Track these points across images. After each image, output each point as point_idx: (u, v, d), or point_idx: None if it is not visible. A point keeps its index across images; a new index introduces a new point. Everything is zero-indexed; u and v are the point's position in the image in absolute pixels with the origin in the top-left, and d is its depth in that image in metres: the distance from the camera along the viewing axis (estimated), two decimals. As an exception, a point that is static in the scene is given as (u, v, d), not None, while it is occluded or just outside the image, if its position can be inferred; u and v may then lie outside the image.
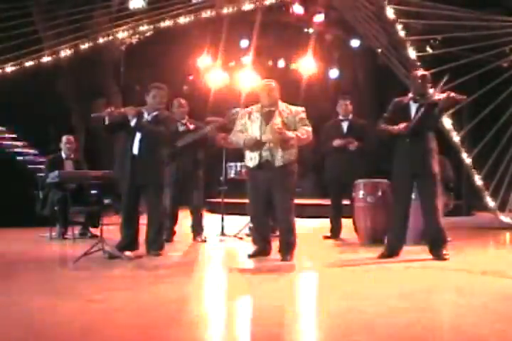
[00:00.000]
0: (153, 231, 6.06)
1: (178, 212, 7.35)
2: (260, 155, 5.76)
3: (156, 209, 6.08)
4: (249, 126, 5.87)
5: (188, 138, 7.11)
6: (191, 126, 7.25)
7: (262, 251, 5.94)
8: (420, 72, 6.36)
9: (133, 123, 5.94)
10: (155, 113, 6.07)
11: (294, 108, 5.92)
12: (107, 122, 5.94)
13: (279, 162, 5.74)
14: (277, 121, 5.75)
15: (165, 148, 6.21)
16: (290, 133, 5.70)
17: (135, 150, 5.95)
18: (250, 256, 5.94)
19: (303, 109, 5.94)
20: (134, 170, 5.93)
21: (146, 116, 6.07)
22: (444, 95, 5.86)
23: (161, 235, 6.19)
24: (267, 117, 5.81)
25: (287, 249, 5.82)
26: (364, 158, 7.73)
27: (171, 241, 7.09)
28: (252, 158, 5.83)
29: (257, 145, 5.75)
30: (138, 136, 5.96)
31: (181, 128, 7.23)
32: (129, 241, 6.01)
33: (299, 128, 5.80)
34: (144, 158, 5.94)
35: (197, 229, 7.30)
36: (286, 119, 5.80)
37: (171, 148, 7.01)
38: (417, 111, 5.90)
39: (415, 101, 5.94)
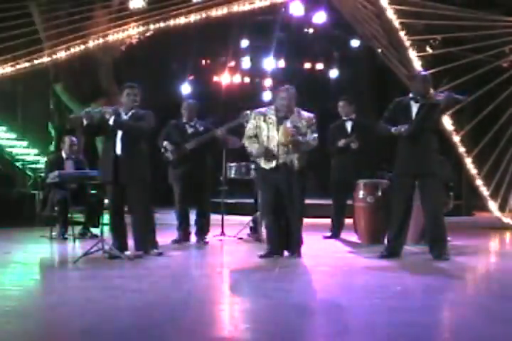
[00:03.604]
0: (144, 230, 6.04)
1: (189, 213, 7.32)
2: (277, 159, 5.82)
3: (144, 207, 6.04)
4: (264, 129, 5.89)
5: (196, 140, 7.09)
6: (201, 128, 7.22)
7: (275, 251, 5.96)
8: (421, 73, 6.38)
9: (111, 121, 5.89)
10: (131, 111, 6.05)
11: (306, 114, 5.98)
12: (85, 123, 5.89)
13: (295, 165, 5.83)
14: (289, 124, 5.80)
15: (146, 144, 6.17)
16: (300, 138, 5.78)
17: (117, 149, 5.92)
18: (262, 256, 5.94)
19: (314, 115, 6.02)
20: (117, 170, 5.88)
21: (123, 115, 6.03)
22: (445, 95, 5.87)
23: (151, 233, 6.13)
24: (282, 121, 5.84)
25: (297, 246, 5.96)
26: (370, 158, 7.74)
27: (181, 242, 7.06)
28: (268, 161, 5.88)
29: (269, 154, 5.83)
30: (118, 134, 5.93)
31: (190, 130, 7.22)
32: (120, 243, 6.01)
33: (309, 134, 5.87)
34: (127, 156, 5.90)
35: (202, 231, 7.27)
36: (300, 124, 5.87)
37: (181, 150, 7.03)
38: (418, 112, 5.91)
39: (416, 102, 5.95)
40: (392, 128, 5.88)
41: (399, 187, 6.12)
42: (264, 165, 5.92)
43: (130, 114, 6.04)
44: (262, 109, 6.03)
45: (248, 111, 6.44)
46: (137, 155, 5.98)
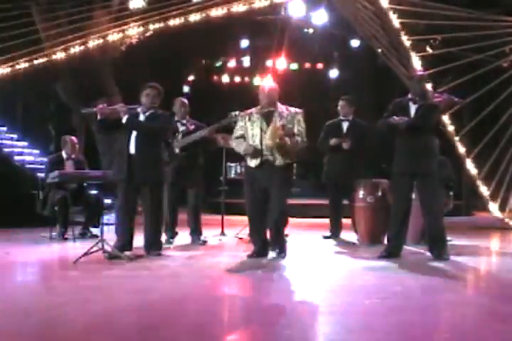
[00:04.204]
0: (153, 231, 6.06)
1: (178, 213, 7.32)
2: (261, 156, 5.83)
3: (156, 209, 6.06)
4: (249, 128, 5.91)
5: (186, 139, 7.11)
6: (191, 127, 7.23)
7: (260, 251, 5.96)
8: (418, 73, 6.40)
9: (124, 120, 5.91)
10: (149, 111, 6.08)
11: (293, 109, 5.98)
12: (98, 117, 5.90)
13: (279, 162, 5.82)
14: (278, 124, 5.77)
15: (161, 145, 6.20)
16: (287, 139, 5.75)
17: (131, 148, 5.95)
18: (249, 257, 5.95)
19: (301, 111, 6.01)
20: (131, 169, 5.90)
21: (141, 115, 6.07)
22: (444, 96, 5.89)
23: (160, 235, 6.18)
24: (267, 118, 5.86)
25: (281, 245, 5.95)
26: (363, 159, 7.75)
27: (171, 243, 7.07)
28: (253, 158, 5.88)
29: (255, 153, 5.82)
30: (133, 134, 5.95)
31: (181, 129, 7.23)
32: (125, 242, 6.01)
33: (295, 131, 5.85)
34: (141, 156, 5.92)
35: (195, 232, 7.26)
36: (286, 120, 5.85)
37: (170, 149, 7.03)
38: (416, 112, 5.93)
39: (414, 102, 5.96)
40: (390, 119, 5.87)
41: (397, 187, 6.13)
42: (250, 163, 5.94)
43: (148, 113, 6.07)
44: (248, 110, 6.04)
45: (237, 112, 6.44)
46: (152, 156, 6.01)
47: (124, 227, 6.04)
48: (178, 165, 7.06)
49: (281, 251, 5.95)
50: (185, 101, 7.38)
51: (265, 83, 6.12)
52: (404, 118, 5.85)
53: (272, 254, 5.97)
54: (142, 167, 5.91)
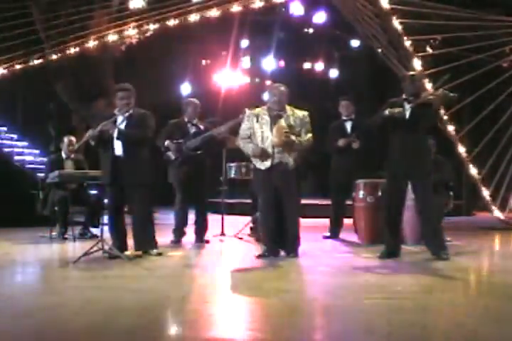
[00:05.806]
0: (141, 231, 6.05)
1: (188, 213, 7.32)
2: (272, 158, 5.83)
3: (142, 209, 6.04)
4: (258, 130, 5.88)
5: (198, 139, 7.10)
6: (201, 127, 7.24)
7: (272, 251, 5.95)
8: (409, 73, 6.40)
9: (115, 133, 5.91)
10: (128, 113, 6.02)
11: (299, 112, 5.97)
12: (92, 143, 5.96)
13: (290, 164, 5.83)
14: (284, 124, 5.79)
15: (147, 148, 6.21)
16: (294, 138, 5.77)
17: (116, 150, 5.94)
18: (259, 256, 5.93)
19: (307, 113, 6.00)
20: (116, 171, 5.90)
21: (120, 118, 6.01)
22: (437, 93, 5.89)
23: (150, 233, 6.14)
24: (276, 120, 5.84)
25: (294, 245, 5.96)
26: (367, 158, 7.74)
27: (179, 242, 7.07)
28: (263, 161, 5.88)
29: (264, 155, 5.82)
30: (116, 136, 5.94)
31: (192, 130, 7.22)
32: (120, 243, 6.02)
33: (303, 134, 5.87)
34: (126, 157, 5.92)
35: (200, 230, 7.27)
36: (294, 123, 5.86)
37: (184, 150, 7.03)
38: (411, 113, 5.89)
39: (409, 102, 5.94)
40: (385, 112, 5.85)
41: (390, 188, 6.11)
42: (260, 165, 5.92)
43: (127, 115, 6.03)
44: (256, 110, 6.01)
45: (246, 110, 6.43)
46: (138, 156, 5.98)
47: (117, 228, 6.06)
48: (192, 166, 7.06)
49: (293, 251, 5.95)
50: (198, 102, 7.36)
51: (276, 85, 6.08)
52: (399, 109, 5.81)
53: (282, 253, 5.99)
54: (128, 169, 5.88)
